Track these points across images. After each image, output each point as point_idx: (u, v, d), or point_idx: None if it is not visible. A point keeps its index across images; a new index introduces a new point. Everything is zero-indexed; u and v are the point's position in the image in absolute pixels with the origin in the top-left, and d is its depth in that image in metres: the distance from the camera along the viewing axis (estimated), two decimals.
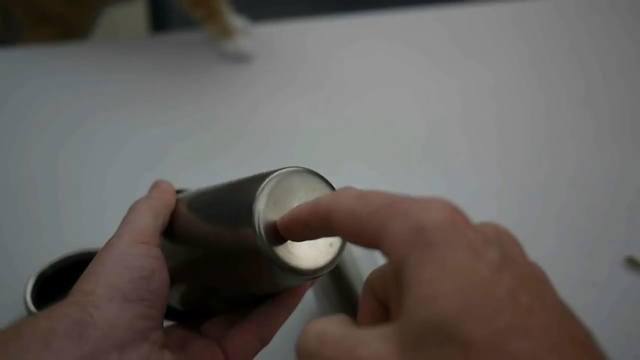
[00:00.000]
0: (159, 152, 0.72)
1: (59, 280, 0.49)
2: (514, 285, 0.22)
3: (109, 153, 0.72)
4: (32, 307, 0.46)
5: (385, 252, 0.25)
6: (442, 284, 0.22)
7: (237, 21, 0.85)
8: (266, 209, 0.31)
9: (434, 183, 0.68)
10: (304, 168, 0.33)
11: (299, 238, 0.31)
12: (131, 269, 0.32)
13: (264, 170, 0.34)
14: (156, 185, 0.39)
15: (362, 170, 0.70)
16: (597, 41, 0.92)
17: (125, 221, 0.36)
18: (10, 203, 0.66)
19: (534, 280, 0.23)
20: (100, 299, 0.30)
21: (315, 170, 0.34)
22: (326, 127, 0.76)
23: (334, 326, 0.25)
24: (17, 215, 0.65)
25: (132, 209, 0.37)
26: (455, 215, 0.24)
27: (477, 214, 0.68)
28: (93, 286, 0.31)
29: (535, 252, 0.33)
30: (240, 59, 0.85)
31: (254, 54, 0.85)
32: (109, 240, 0.34)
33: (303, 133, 0.75)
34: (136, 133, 0.75)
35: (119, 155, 0.72)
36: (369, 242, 0.25)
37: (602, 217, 0.63)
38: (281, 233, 0.31)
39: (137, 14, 0.87)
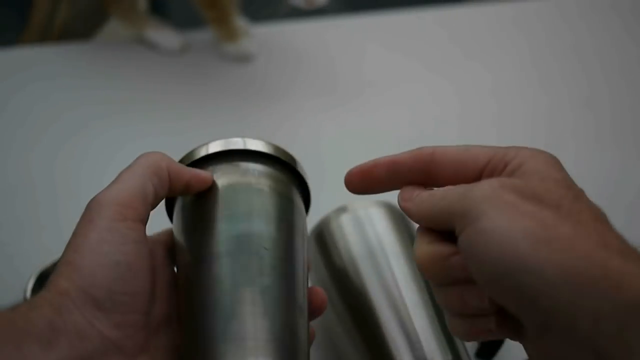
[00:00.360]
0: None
1: None
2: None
3: (108, 153, 0.72)
4: None
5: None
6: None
7: (240, 23, 0.85)
8: None
9: None
10: None
11: (372, 185, 0.36)
12: (105, 267, 0.31)
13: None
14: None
15: None
16: (598, 41, 0.92)
17: (111, 183, 0.34)
18: (10, 203, 0.66)
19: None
20: (73, 302, 0.30)
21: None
22: (328, 127, 0.76)
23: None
24: (17, 215, 0.65)
25: (126, 169, 0.35)
26: (553, 163, 0.32)
27: None
28: (67, 285, 0.30)
29: None
30: (241, 60, 0.85)
31: (254, 54, 0.85)
32: (90, 209, 0.33)
33: (304, 133, 0.75)
34: (136, 133, 0.75)
35: (119, 155, 0.72)
36: (468, 179, 0.33)
37: None
38: (354, 178, 0.36)
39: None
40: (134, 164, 0.36)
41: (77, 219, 0.63)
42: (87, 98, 0.80)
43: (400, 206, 0.35)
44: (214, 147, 0.39)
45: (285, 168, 0.40)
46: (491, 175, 0.33)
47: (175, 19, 0.90)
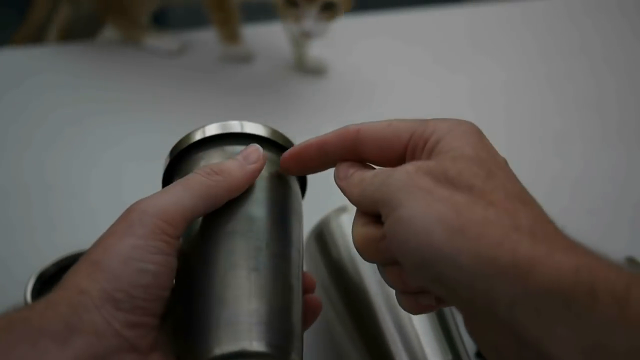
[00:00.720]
0: (158, 152, 0.72)
1: (59, 280, 0.49)
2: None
3: (105, 153, 0.72)
4: None
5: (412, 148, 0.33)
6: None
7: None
8: None
9: None
10: None
11: (306, 166, 0.37)
12: (132, 273, 0.31)
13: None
14: (246, 154, 0.37)
15: None
16: (604, 40, 0.92)
17: (161, 192, 0.34)
18: (8, 204, 0.66)
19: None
20: (92, 301, 0.30)
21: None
22: (329, 126, 0.76)
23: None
24: (16, 216, 0.64)
25: (181, 181, 0.35)
26: (470, 135, 0.33)
27: None
28: (88, 285, 0.31)
29: None
30: (242, 61, 0.85)
31: (253, 55, 0.86)
32: (132, 213, 0.33)
33: (305, 131, 0.75)
34: (135, 133, 0.74)
35: (119, 155, 0.72)
36: (393, 156, 0.34)
37: (602, 217, 0.63)
38: (288, 162, 0.37)
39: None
40: (190, 179, 0.35)
41: (73, 218, 0.63)
42: (82, 98, 0.80)
43: (336, 184, 0.36)
44: (211, 130, 0.39)
45: (281, 151, 0.40)
46: (413, 153, 0.33)
47: (173, 20, 0.90)
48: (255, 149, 0.38)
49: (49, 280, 0.49)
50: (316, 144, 0.36)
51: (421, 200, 0.29)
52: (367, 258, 0.34)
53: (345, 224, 0.50)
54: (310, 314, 0.38)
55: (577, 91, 0.83)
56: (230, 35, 0.85)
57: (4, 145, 0.73)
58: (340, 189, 0.35)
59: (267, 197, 0.37)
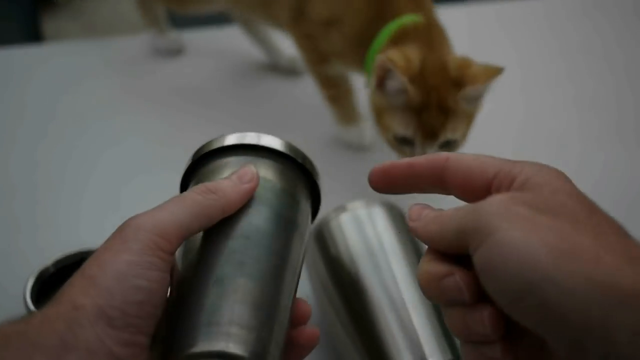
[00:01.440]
0: (158, 152, 0.72)
1: (59, 279, 0.49)
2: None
3: (108, 153, 0.72)
4: (31, 306, 0.46)
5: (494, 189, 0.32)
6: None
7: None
8: None
9: None
10: None
11: (392, 184, 0.36)
12: (126, 289, 0.31)
13: None
14: (239, 175, 0.37)
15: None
16: (604, 40, 0.92)
17: (157, 208, 0.34)
18: (7, 203, 0.66)
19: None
20: (87, 318, 0.30)
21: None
22: (329, 126, 0.76)
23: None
24: (15, 215, 0.64)
25: (177, 198, 0.35)
26: (561, 176, 0.31)
27: None
28: (83, 301, 0.31)
29: None
30: (358, 148, 0.75)
31: (370, 144, 0.75)
32: (126, 229, 0.33)
33: (303, 133, 0.75)
34: (136, 133, 0.74)
35: (120, 155, 0.72)
36: (476, 190, 0.33)
37: None
38: (376, 176, 0.36)
39: (136, 13, 0.87)
40: (187, 196, 0.36)
41: (73, 218, 0.63)
42: (83, 98, 0.80)
43: (408, 226, 0.35)
44: (230, 140, 0.40)
45: (296, 167, 0.40)
46: (498, 190, 0.32)
47: (174, 18, 0.90)
48: (249, 169, 0.38)
49: (48, 279, 0.49)
50: (406, 163, 0.36)
51: (522, 226, 0.27)
52: (431, 296, 0.32)
53: (345, 224, 0.50)
54: (305, 347, 0.37)
55: (577, 91, 0.83)
56: (347, 115, 0.73)
57: (4, 145, 0.73)
58: (413, 229, 0.34)
59: (270, 213, 0.37)
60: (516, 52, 0.89)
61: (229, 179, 0.37)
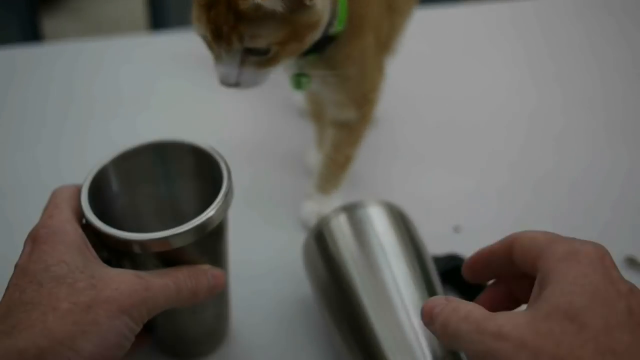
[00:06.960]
0: None
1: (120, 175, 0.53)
2: (628, 309, 0.31)
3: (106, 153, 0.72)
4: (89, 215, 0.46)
5: (542, 262, 0.35)
6: (579, 286, 0.32)
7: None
8: None
9: (437, 181, 0.68)
10: None
11: (480, 273, 0.43)
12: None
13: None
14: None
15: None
16: (604, 40, 0.92)
17: (134, 281, 0.39)
18: (7, 203, 0.66)
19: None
20: None
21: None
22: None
23: (477, 309, 0.35)
24: (15, 216, 0.64)
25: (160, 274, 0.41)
26: (604, 255, 0.34)
27: (478, 212, 0.67)
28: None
29: None
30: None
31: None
32: (99, 305, 0.36)
33: (301, 136, 0.75)
34: (136, 133, 0.74)
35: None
36: (533, 260, 0.36)
37: (601, 217, 0.63)
38: (469, 274, 0.43)
39: (136, 12, 0.87)
40: (169, 283, 0.41)
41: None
42: (82, 98, 0.80)
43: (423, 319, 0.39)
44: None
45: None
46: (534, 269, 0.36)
47: (174, 18, 0.90)
48: (223, 279, 0.44)
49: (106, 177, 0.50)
50: (488, 251, 0.41)
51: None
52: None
53: (345, 224, 0.50)
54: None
55: (577, 90, 0.83)
56: (337, 184, 0.63)
57: (4, 145, 0.73)
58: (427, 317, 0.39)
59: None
60: (512, 52, 0.89)
61: (207, 280, 0.42)
